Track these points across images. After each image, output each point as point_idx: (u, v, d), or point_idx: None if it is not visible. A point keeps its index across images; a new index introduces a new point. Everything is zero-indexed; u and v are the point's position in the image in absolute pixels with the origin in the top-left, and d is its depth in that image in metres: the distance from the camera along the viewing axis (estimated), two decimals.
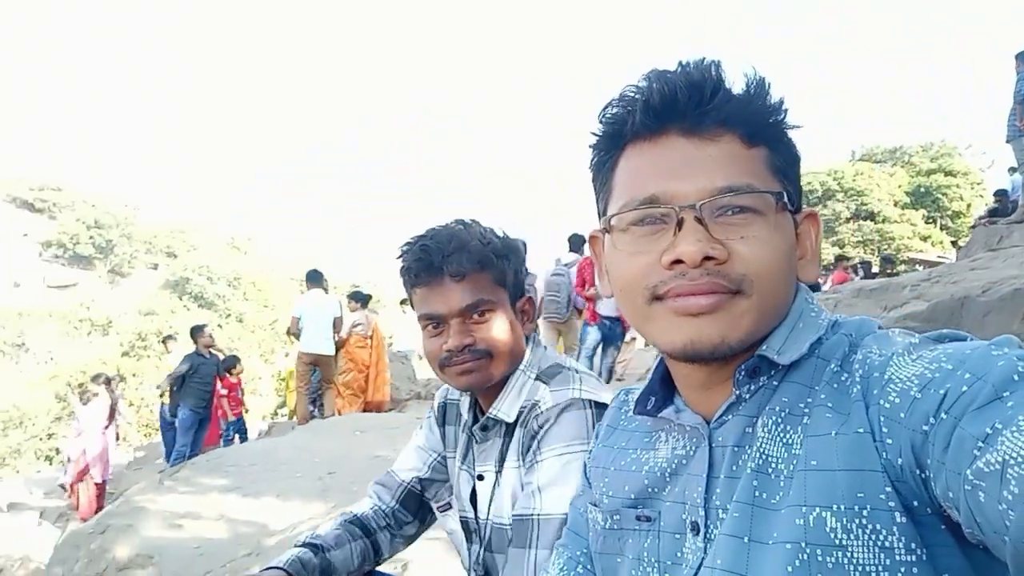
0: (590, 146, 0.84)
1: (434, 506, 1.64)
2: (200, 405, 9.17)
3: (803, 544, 0.64)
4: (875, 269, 14.65)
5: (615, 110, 0.80)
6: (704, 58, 0.76)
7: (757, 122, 0.76)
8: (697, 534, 0.77)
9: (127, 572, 4.25)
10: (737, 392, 0.77)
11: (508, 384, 1.41)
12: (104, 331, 32.87)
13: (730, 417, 0.78)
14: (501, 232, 1.48)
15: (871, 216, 36.19)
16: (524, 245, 1.52)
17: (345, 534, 1.56)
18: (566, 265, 8.24)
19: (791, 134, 0.80)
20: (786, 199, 0.76)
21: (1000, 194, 11.98)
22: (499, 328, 1.38)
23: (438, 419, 1.64)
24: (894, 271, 13.85)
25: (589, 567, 0.96)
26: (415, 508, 1.66)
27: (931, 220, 36.52)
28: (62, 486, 10.39)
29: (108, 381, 10.13)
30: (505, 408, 1.40)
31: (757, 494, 0.71)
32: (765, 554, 0.68)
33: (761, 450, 0.73)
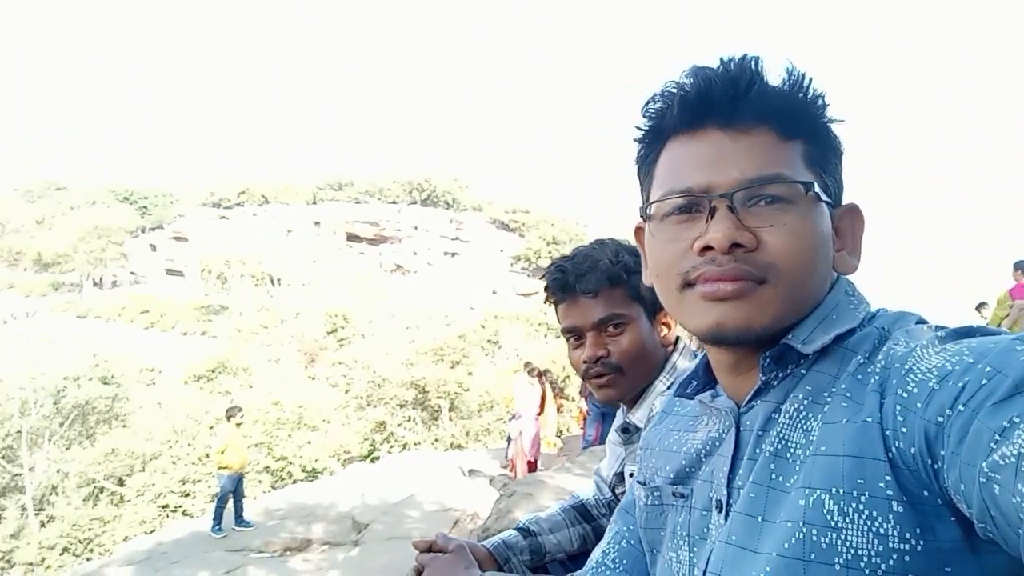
0: (635, 140, 0.87)
1: (616, 493, 1.67)
2: (598, 400, 9.97)
3: (801, 523, 0.66)
4: None
5: (656, 105, 0.82)
6: (745, 54, 0.77)
7: (793, 115, 0.77)
8: (720, 511, 0.79)
9: None
10: (764, 378, 0.78)
11: (647, 392, 1.48)
12: (556, 335, 37.26)
13: (757, 402, 0.79)
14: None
15: None
16: None
17: (565, 519, 1.67)
18: None
19: (835, 128, 0.81)
20: (818, 189, 0.76)
21: None
22: (632, 341, 1.47)
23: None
24: None
25: (633, 542, 1.01)
26: None
27: None
28: (506, 459, 12.38)
29: (540, 374, 11.64)
30: (640, 415, 1.48)
31: (773, 476, 0.72)
32: (771, 531, 0.70)
33: (781, 435, 0.74)
